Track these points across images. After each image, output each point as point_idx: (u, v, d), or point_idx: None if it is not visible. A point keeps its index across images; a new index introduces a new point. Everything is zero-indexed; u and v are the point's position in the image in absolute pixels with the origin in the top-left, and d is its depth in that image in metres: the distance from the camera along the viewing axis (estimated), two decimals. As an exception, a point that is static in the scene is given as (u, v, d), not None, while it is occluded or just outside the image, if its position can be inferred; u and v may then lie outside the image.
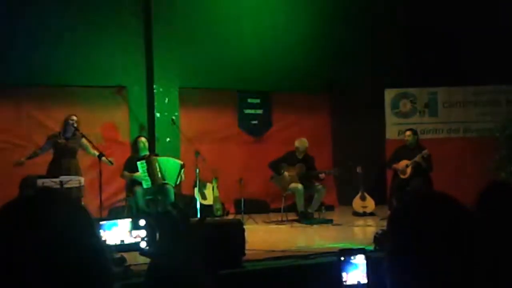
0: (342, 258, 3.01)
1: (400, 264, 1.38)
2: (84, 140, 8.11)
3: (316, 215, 9.17)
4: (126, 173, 8.47)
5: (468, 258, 1.35)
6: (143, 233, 4.46)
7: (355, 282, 2.99)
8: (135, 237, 4.48)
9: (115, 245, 4.42)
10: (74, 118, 8.12)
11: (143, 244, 4.46)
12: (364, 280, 2.99)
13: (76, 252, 1.10)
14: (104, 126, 9.54)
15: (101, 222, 4.56)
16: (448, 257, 1.34)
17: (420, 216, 1.39)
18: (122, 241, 4.47)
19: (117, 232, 4.48)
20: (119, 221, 4.57)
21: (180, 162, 8.77)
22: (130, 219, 4.58)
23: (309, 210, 9.15)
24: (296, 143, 9.43)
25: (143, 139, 8.73)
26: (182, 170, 8.66)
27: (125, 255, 4.72)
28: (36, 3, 9.04)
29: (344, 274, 2.98)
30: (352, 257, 3.00)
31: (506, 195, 2.26)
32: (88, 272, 1.10)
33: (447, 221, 1.37)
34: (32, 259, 1.06)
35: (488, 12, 10.80)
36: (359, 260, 3.01)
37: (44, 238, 1.08)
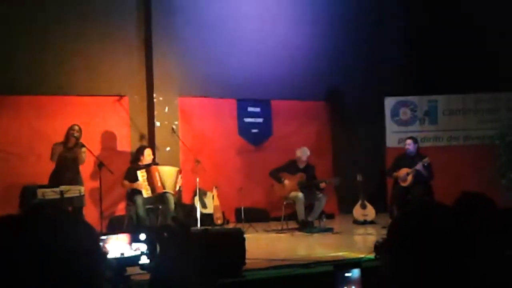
0: (338, 272, 3.00)
1: (399, 275, 1.38)
2: (83, 150, 8.15)
3: (316, 224, 9.15)
4: (126, 182, 8.47)
5: (468, 267, 1.35)
6: (143, 246, 4.45)
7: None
8: (135, 250, 4.47)
9: (115, 258, 4.40)
10: (76, 128, 8.18)
11: (144, 259, 4.45)
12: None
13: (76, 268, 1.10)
14: (104, 135, 9.54)
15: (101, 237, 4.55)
16: (447, 266, 1.34)
17: (420, 226, 1.39)
18: (122, 254, 4.46)
19: (117, 245, 4.46)
20: (119, 235, 4.56)
21: (177, 168, 8.78)
22: (130, 233, 4.57)
23: (310, 219, 9.14)
24: (298, 153, 9.42)
25: (149, 150, 8.77)
26: (180, 176, 8.67)
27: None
28: (36, 13, 9.06)
29: (339, 288, 2.97)
30: (347, 271, 2.99)
31: (478, 204, 2.28)
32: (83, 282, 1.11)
33: (446, 231, 1.37)
34: (31, 270, 1.06)
35: (488, 19, 10.82)
36: (354, 273, 3.00)
37: (43, 251, 1.08)
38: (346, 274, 2.97)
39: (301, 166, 9.39)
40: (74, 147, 8.14)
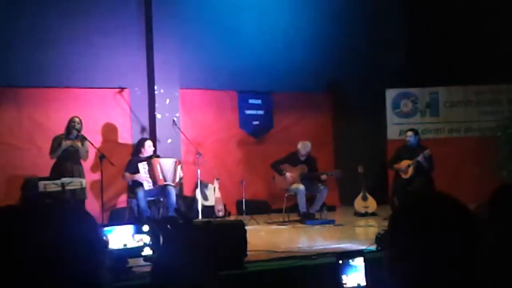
0: (341, 261, 3.01)
1: (400, 266, 1.38)
2: (86, 149, 8.17)
3: (317, 216, 9.16)
4: (127, 174, 8.48)
5: (470, 260, 1.34)
6: (146, 237, 4.45)
7: (355, 285, 2.99)
8: (137, 241, 4.47)
9: (118, 249, 4.40)
10: (76, 120, 8.18)
11: (147, 250, 4.45)
12: (363, 283, 2.99)
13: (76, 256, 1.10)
14: (105, 127, 9.54)
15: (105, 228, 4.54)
16: (449, 259, 1.33)
17: (420, 218, 1.39)
18: (125, 245, 4.46)
19: (120, 236, 4.46)
20: (122, 226, 4.56)
21: (174, 159, 8.75)
22: (133, 224, 4.57)
23: (311, 211, 9.14)
24: (299, 146, 9.38)
25: (150, 142, 8.76)
26: (179, 167, 8.65)
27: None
28: (36, 4, 9.04)
29: (343, 277, 2.97)
30: (351, 260, 3.00)
31: None
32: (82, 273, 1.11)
33: (448, 223, 1.37)
34: (31, 260, 1.07)
35: (488, 11, 10.79)
36: (358, 263, 3.01)
37: (45, 242, 1.08)
38: (350, 262, 2.98)
39: (302, 158, 9.38)
40: (76, 139, 8.15)
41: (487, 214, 2.10)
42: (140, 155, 8.63)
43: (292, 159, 9.38)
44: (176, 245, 1.48)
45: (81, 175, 8.11)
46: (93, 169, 8.87)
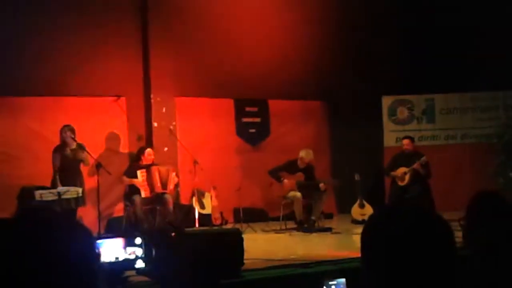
0: (323, 282, 3.01)
1: (371, 276, 1.37)
2: (85, 154, 8.18)
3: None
4: (125, 178, 8.49)
5: (446, 269, 1.34)
6: (138, 250, 4.42)
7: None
8: (129, 254, 4.44)
9: (109, 262, 4.36)
10: (69, 129, 8.19)
11: (140, 263, 4.41)
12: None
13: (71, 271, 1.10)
14: (102, 136, 9.52)
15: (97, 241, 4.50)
16: (416, 269, 1.32)
17: (387, 229, 1.37)
18: (117, 258, 4.42)
19: (111, 249, 4.41)
20: (113, 239, 4.52)
21: (166, 166, 8.74)
22: (124, 237, 4.53)
23: (313, 217, 9.10)
24: (302, 153, 9.35)
25: (150, 150, 8.78)
26: (173, 174, 8.66)
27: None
28: (32, 14, 9.04)
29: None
30: (332, 281, 3.00)
31: (493, 204, 2.28)
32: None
33: (414, 234, 1.35)
34: (25, 273, 1.06)
35: (484, 18, 10.83)
36: (340, 284, 3.01)
37: (41, 257, 1.08)
38: (331, 284, 2.98)
39: (301, 166, 9.37)
40: (75, 147, 8.17)
41: (466, 219, 2.13)
42: (140, 163, 8.66)
43: (291, 166, 9.37)
44: (168, 257, 1.49)
45: (82, 182, 8.14)
46: (90, 177, 8.84)
